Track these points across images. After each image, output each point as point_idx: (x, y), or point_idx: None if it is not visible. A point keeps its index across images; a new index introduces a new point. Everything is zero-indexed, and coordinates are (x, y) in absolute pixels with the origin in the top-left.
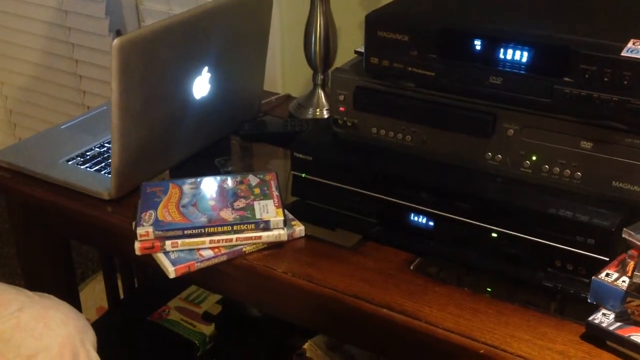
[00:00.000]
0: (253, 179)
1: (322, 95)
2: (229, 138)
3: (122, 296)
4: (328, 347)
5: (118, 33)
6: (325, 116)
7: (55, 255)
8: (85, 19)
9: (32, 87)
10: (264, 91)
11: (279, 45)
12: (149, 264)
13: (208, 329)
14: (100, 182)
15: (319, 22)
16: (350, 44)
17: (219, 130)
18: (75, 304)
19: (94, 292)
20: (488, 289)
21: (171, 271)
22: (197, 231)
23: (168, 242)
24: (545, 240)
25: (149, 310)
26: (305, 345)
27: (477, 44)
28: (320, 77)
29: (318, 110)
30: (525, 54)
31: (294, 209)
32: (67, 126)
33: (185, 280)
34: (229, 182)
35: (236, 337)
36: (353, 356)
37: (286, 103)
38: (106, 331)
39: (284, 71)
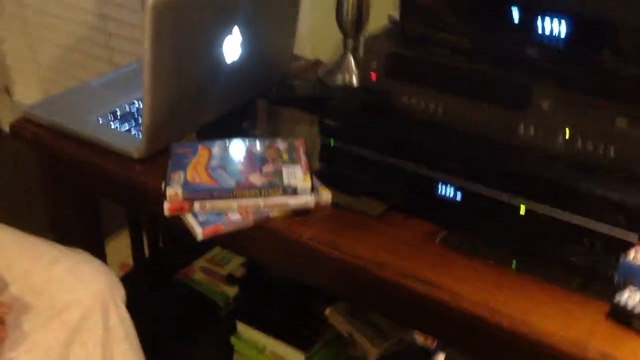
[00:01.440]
0: (282, 144)
1: (352, 60)
2: (257, 101)
3: (147, 254)
4: (350, 314)
5: None
6: (355, 82)
7: (83, 210)
8: None
9: (61, 42)
10: (293, 55)
11: (308, 7)
12: (176, 224)
13: (231, 291)
14: (129, 141)
15: None
16: (383, 8)
17: (247, 92)
18: (102, 259)
19: (118, 249)
20: (513, 264)
21: (199, 233)
22: (225, 194)
23: (196, 204)
24: (575, 217)
25: (174, 269)
26: (327, 311)
27: (516, 12)
28: (351, 42)
29: (347, 76)
30: (564, 25)
31: (320, 175)
32: (97, 83)
33: (210, 241)
34: (258, 146)
35: (259, 299)
36: (375, 323)
37: (315, 68)
38: (133, 287)
39: (313, 35)
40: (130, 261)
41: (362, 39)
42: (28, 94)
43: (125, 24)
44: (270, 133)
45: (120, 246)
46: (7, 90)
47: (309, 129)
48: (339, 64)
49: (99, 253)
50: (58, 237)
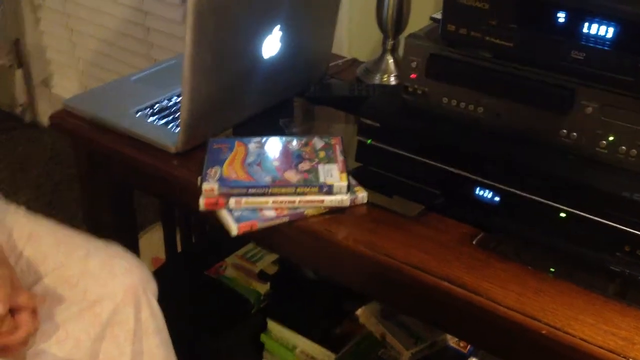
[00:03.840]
0: (318, 142)
1: (391, 61)
2: (294, 99)
3: (179, 249)
4: (382, 315)
5: None
6: (393, 82)
7: (118, 203)
8: None
9: (101, 36)
10: (331, 53)
11: (347, 6)
12: (211, 219)
13: (263, 288)
14: (167, 135)
15: None
16: (423, 9)
17: (286, 90)
18: (135, 252)
19: (150, 243)
20: (551, 269)
21: (234, 228)
22: (261, 190)
23: (232, 200)
24: (616, 224)
25: (207, 264)
26: (359, 312)
27: (561, 16)
28: (390, 42)
29: (386, 76)
30: (611, 29)
31: (357, 174)
32: (136, 78)
33: (242, 238)
34: (294, 143)
35: (290, 297)
36: (407, 325)
37: (353, 67)
38: (165, 281)
39: (351, 33)
40: (162, 256)
41: (401, 39)
42: (67, 86)
43: (164, 19)
44: (307, 131)
45: (152, 240)
46: (46, 83)
47: (345, 127)
48: (378, 64)
49: (133, 246)
50: (92, 229)
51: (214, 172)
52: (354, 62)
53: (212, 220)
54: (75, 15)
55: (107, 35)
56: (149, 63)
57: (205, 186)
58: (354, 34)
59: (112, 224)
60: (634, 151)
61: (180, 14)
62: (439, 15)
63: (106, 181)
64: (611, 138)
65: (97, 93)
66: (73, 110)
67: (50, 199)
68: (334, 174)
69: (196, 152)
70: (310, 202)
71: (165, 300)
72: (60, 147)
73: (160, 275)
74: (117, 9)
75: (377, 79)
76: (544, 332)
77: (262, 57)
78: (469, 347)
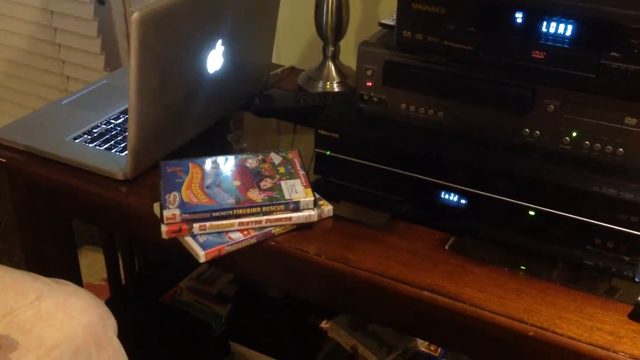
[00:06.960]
0: (276, 157)
1: (333, 67)
2: (239, 113)
3: (123, 279)
4: (351, 327)
5: (100, 1)
6: (336, 89)
7: (58, 234)
8: None
9: (6, 56)
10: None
11: (282, 13)
12: (174, 246)
13: (223, 310)
14: (112, 161)
15: None
16: (362, 14)
17: (229, 104)
18: (77, 282)
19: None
20: (522, 267)
21: (201, 255)
22: (225, 213)
23: (196, 225)
24: (585, 218)
25: (159, 291)
26: (327, 325)
27: (519, 16)
28: (330, 49)
29: (329, 83)
30: (571, 27)
31: (317, 187)
32: (67, 102)
33: (192, 259)
34: (251, 160)
35: (253, 317)
36: (377, 334)
37: (292, 75)
38: (119, 313)
39: (288, 41)
40: (93, 281)
41: (341, 45)
42: None
43: (76, 35)
44: (257, 146)
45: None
46: None
47: (296, 138)
48: (319, 71)
49: (76, 280)
50: (32, 264)
51: (172, 197)
52: (293, 70)
53: (177, 247)
54: None
55: (13, 55)
56: (62, 81)
57: (167, 213)
58: (291, 41)
59: (53, 254)
60: (597, 145)
61: (94, 29)
62: (389, 21)
63: (46, 213)
64: (574, 134)
65: (28, 121)
66: (5, 141)
67: None
68: (298, 190)
69: (144, 178)
70: (278, 220)
71: (123, 334)
72: None
73: (113, 306)
74: (23, 26)
75: (319, 87)
76: (531, 333)
77: (207, 72)
78: (439, 350)
